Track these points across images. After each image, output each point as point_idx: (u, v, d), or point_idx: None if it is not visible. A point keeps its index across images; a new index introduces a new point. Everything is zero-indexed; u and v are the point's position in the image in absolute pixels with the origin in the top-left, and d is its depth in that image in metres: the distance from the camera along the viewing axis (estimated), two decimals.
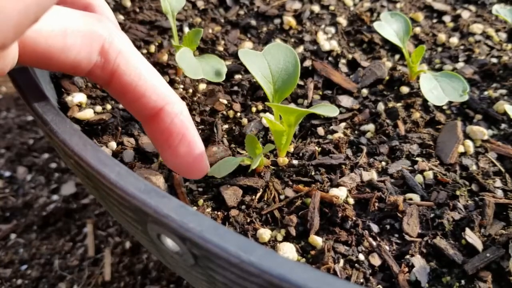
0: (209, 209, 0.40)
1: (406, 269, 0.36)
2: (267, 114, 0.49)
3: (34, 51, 0.30)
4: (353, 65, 0.56)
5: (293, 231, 0.38)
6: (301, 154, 0.45)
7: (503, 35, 0.62)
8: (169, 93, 0.35)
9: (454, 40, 0.60)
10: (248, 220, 0.39)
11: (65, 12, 0.31)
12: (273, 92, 0.42)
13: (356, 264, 0.37)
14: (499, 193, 0.42)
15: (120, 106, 0.48)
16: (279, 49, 0.42)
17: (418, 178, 0.43)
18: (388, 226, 0.39)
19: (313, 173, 0.43)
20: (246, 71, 0.55)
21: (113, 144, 0.44)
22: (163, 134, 0.35)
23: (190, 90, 0.51)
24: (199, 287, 0.37)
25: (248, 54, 0.42)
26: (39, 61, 0.31)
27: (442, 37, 0.61)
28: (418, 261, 0.37)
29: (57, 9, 0.31)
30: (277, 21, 0.61)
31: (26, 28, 0.25)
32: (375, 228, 0.39)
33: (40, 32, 0.29)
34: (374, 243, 0.38)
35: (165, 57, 0.54)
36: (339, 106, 0.51)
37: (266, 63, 0.42)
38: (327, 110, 0.38)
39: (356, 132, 0.49)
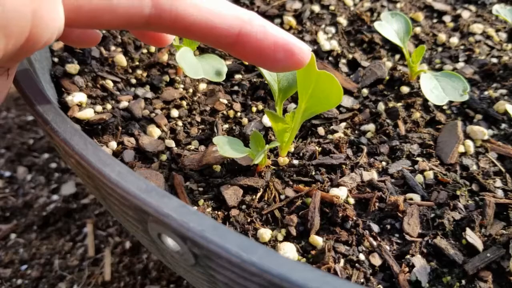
0: (209, 209, 0.40)
1: (407, 269, 0.36)
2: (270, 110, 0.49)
3: (79, 14, 0.29)
4: (353, 65, 0.56)
5: (293, 231, 0.38)
6: (301, 154, 0.45)
7: (503, 35, 0.62)
8: (239, 13, 0.33)
9: (454, 40, 0.60)
10: (249, 220, 0.39)
11: None
12: (277, 91, 0.42)
13: (356, 264, 0.37)
14: (500, 193, 0.42)
15: (121, 105, 0.48)
16: None
17: (419, 178, 0.43)
18: (388, 226, 0.39)
19: (313, 173, 0.43)
20: (246, 71, 0.55)
21: (114, 144, 0.44)
22: (254, 54, 0.34)
23: (191, 90, 0.51)
24: (199, 287, 0.37)
25: None
26: (88, 23, 0.30)
27: (442, 37, 0.61)
28: (418, 261, 0.37)
29: None
30: (277, 21, 0.61)
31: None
32: (375, 228, 0.39)
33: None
34: (375, 243, 0.38)
35: (165, 57, 0.54)
36: (339, 106, 0.51)
37: None
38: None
39: (356, 132, 0.49)
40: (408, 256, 0.37)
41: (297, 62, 0.35)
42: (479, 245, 0.38)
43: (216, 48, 0.39)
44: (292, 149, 0.46)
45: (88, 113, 0.45)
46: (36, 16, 0.26)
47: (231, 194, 0.40)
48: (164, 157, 0.44)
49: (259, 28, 0.34)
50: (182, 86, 0.52)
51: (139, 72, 0.53)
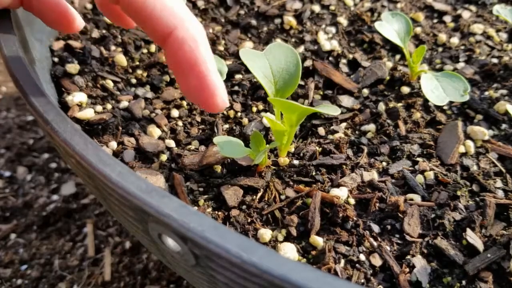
0: (209, 209, 0.40)
1: (407, 270, 0.36)
2: (268, 113, 0.49)
3: None
4: (353, 65, 0.56)
5: (294, 231, 0.38)
6: (301, 154, 0.45)
7: (504, 35, 0.62)
8: (182, 15, 0.31)
9: (455, 40, 0.60)
10: (249, 220, 0.39)
11: None
12: (274, 92, 0.42)
13: (357, 265, 0.37)
14: (500, 193, 0.42)
15: (121, 106, 0.48)
16: (281, 49, 0.42)
17: (419, 178, 0.43)
18: (389, 227, 0.39)
19: (314, 173, 0.43)
20: (247, 71, 0.54)
21: (114, 144, 0.44)
22: (172, 61, 0.32)
23: None
24: (199, 287, 0.37)
25: (249, 54, 0.42)
26: None
27: (442, 37, 0.61)
28: (419, 261, 0.37)
29: None
30: (277, 21, 0.61)
31: None
32: (376, 228, 0.39)
33: None
34: (375, 244, 0.38)
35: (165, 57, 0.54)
36: (339, 106, 0.51)
37: (267, 63, 0.42)
38: (329, 109, 0.38)
39: (356, 132, 0.49)
40: (408, 257, 0.37)
41: (206, 105, 0.33)
42: (480, 246, 0.38)
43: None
44: (293, 149, 0.46)
45: (88, 113, 0.45)
46: None
47: (232, 194, 0.40)
48: (164, 157, 0.44)
49: (190, 41, 0.31)
50: None
51: (139, 72, 0.53)
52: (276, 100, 0.38)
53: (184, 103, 0.50)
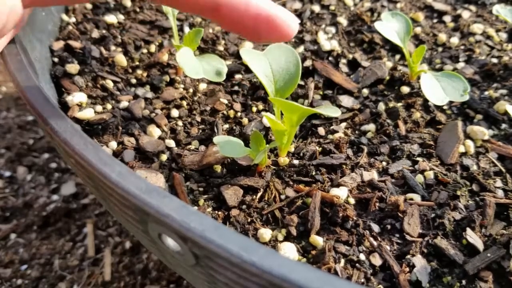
0: (209, 209, 0.40)
1: (407, 269, 0.36)
2: (268, 113, 0.49)
3: None
4: (353, 65, 0.56)
5: (294, 231, 0.38)
6: (301, 154, 0.45)
7: (504, 35, 0.62)
8: None
9: (455, 40, 0.60)
10: (249, 220, 0.39)
11: None
12: (274, 92, 0.42)
13: (357, 264, 0.37)
14: (500, 193, 0.42)
15: (121, 105, 0.48)
16: (281, 49, 0.42)
17: (419, 178, 0.43)
18: (389, 226, 0.39)
19: (313, 173, 0.43)
20: (247, 71, 0.55)
21: (114, 144, 0.44)
22: (234, 24, 0.33)
23: (191, 90, 0.51)
24: (200, 287, 0.37)
25: (250, 54, 0.42)
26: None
27: (442, 37, 0.61)
28: (419, 261, 0.37)
29: None
30: None
31: None
32: (375, 228, 0.39)
33: None
34: (375, 243, 0.38)
35: (165, 57, 0.54)
36: (339, 106, 0.51)
37: (267, 62, 0.42)
38: (330, 110, 0.38)
39: (356, 132, 0.49)
40: (408, 256, 0.37)
41: (280, 35, 0.34)
42: (480, 245, 0.38)
43: (195, 14, 0.38)
44: (293, 149, 0.46)
45: (88, 113, 0.45)
46: None
47: (232, 194, 0.40)
48: (164, 157, 0.44)
49: (241, 2, 0.32)
50: (182, 86, 0.52)
51: (139, 72, 0.53)
52: (277, 100, 0.38)
53: (184, 103, 0.50)
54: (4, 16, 0.27)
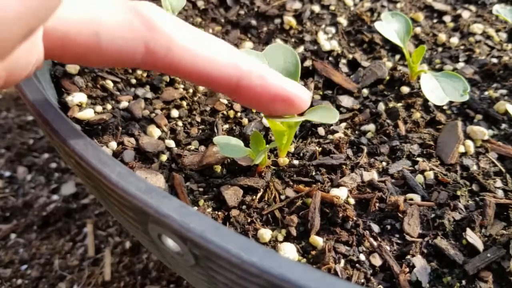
0: (209, 209, 0.40)
1: (407, 269, 0.36)
2: None
3: (65, 52, 0.29)
4: (353, 65, 0.56)
5: (293, 231, 0.38)
6: (301, 154, 0.45)
7: (504, 35, 0.62)
8: (238, 62, 0.33)
9: (455, 40, 0.60)
10: (249, 220, 0.39)
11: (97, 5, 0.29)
12: None
13: (357, 264, 0.37)
14: (500, 193, 0.42)
15: (121, 106, 0.48)
16: (280, 50, 0.42)
17: (419, 178, 0.43)
18: (388, 226, 0.39)
19: (313, 173, 0.43)
20: None
21: (114, 144, 0.44)
22: (252, 103, 0.35)
23: (191, 90, 0.51)
24: (199, 287, 0.37)
25: (249, 54, 0.42)
26: (75, 61, 0.31)
27: (442, 37, 0.61)
28: (419, 261, 0.37)
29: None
30: (277, 21, 0.61)
31: (32, 30, 0.23)
32: (375, 228, 0.39)
33: (68, 35, 0.28)
34: (375, 243, 0.38)
35: None
36: (339, 106, 0.51)
37: (266, 63, 0.42)
38: (326, 118, 0.37)
39: (356, 132, 0.49)
40: (408, 257, 0.37)
41: (295, 110, 0.36)
42: (480, 245, 0.38)
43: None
44: (292, 149, 0.46)
45: (88, 114, 0.45)
46: (9, 67, 0.25)
47: (231, 194, 0.40)
48: (164, 157, 0.44)
49: (258, 81, 0.33)
50: (182, 86, 0.52)
51: (139, 72, 0.53)
52: (266, 117, 0.38)
53: (184, 103, 0.50)
54: (30, 66, 0.28)
